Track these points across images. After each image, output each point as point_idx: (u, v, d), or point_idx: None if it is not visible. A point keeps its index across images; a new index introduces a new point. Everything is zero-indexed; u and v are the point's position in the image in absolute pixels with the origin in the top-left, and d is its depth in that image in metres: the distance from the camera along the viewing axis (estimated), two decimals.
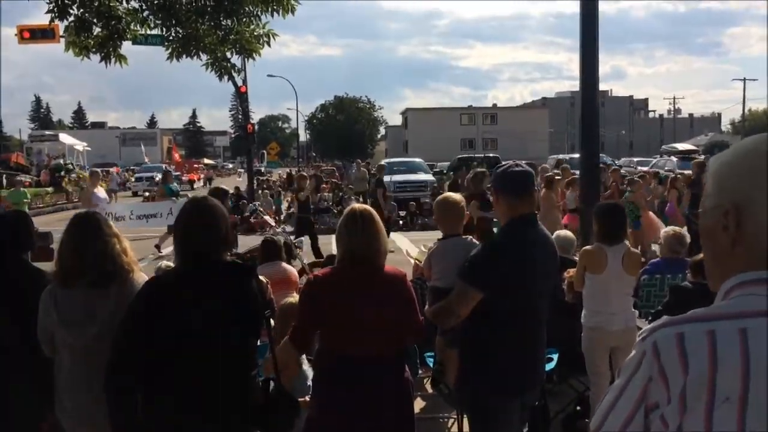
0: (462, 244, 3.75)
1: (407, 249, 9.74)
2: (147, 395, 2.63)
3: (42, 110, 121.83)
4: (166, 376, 2.61)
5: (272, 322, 3.90)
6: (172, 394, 2.60)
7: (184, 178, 44.26)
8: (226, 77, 7.64)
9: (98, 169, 19.32)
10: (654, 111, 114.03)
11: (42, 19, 7.45)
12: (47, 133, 36.24)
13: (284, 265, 5.84)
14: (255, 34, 6.97)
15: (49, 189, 25.30)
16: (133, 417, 2.60)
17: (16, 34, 16.69)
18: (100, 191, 14.72)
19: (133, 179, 43.91)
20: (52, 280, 3.03)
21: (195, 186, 45.27)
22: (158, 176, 40.67)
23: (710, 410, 1.13)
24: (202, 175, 52.73)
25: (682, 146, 34.72)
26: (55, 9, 6.21)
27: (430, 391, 5.73)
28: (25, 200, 17.76)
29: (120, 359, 2.57)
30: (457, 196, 3.99)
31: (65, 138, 37.96)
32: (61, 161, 30.27)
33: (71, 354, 2.85)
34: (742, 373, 1.12)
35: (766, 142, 1.25)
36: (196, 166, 58.27)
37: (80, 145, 36.41)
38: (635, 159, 36.85)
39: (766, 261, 1.20)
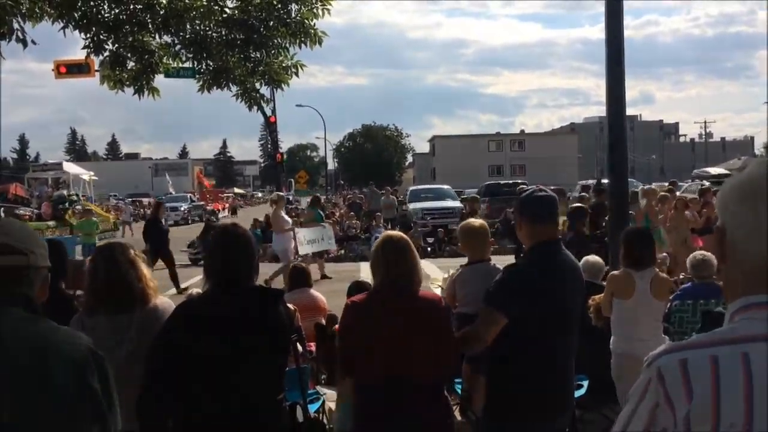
0: (486, 269, 3.75)
1: (432, 276, 9.71)
2: (178, 419, 2.67)
3: (77, 142, 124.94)
4: (196, 399, 2.65)
5: (300, 347, 3.95)
6: (202, 418, 2.64)
7: (208, 207, 44.08)
8: (255, 107, 7.78)
9: (283, 193, 18.90)
10: (685, 135, 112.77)
11: (78, 54, 7.71)
12: (50, 162, 32.93)
13: (312, 291, 5.89)
14: (283, 65, 7.10)
15: (50, 223, 22.52)
16: None
17: (53, 69, 17.26)
18: (285, 215, 14.15)
19: None
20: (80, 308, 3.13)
21: (220, 216, 43.67)
22: (184, 206, 40.40)
23: None
24: (227, 204, 51.74)
25: (714, 170, 34.13)
26: (91, 44, 6.42)
27: (458, 418, 5.69)
28: (96, 230, 17.79)
29: (152, 382, 2.62)
30: (479, 222, 4.00)
31: (70, 167, 35.07)
32: (65, 192, 28.01)
33: None
34: (745, 398, 1.12)
35: (758, 167, 1.27)
36: (221, 195, 57.37)
37: (86, 175, 33.48)
38: (666, 184, 36.35)
39: (765, 284, 1.21)
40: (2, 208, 22.69)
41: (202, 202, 45.24)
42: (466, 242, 3.92)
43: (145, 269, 3.13)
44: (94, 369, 1.73)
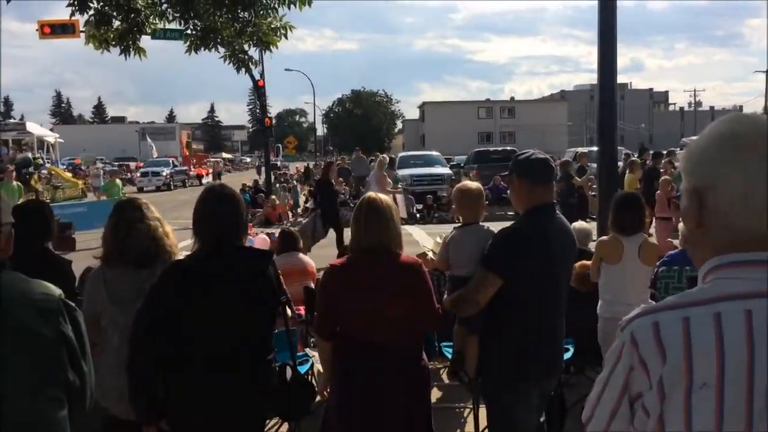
0: (479, 231, 3.75)
1: (423, 243, 9.72)
2: (166, 376, 2.69)
3: (63, 105, 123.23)
4: (185, 358, 2.66)
5: (288, 310, 3.96)
6: (191, 374, 2.66)
7: (191, 172, 42.87)
8: (243, 70, 7.68)
9: (385, 155, 18.43)
10: (674, 104, 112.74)
11: (62, 14, 7.55)
12: (11, 121, 29.46)
13: (301, 255, 5.89)
14: (272, 26, 7.00)
15: (14, 185, 20.79)
16: (152, 396, 2.66)
17: (36, 30, 16.88)
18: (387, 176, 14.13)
19: (138, 174, 40.40)
20: (94, 264, 3.16)
21: (203, 182, 41.19)
22: (166, 171, 38.27)
23: (688, 396, 1.14)
24: (210, 170, 48.97)
25: None
26: (76, 3, 6.29)
27: (446, 381, 5.76)
28: (122, 194, 16.80)
29: (140, 340, 2.62)
30: (474, 185, 3.98)
31: (33, 128, 31.49)
32: (29, 155, 25.17)
33: (120, 333, 2.91)
34: (717, 358, 1.13)
35: (730, 124, 1.24)
36: (204, 160, 54.46)
37: (51, 137, 30.21)
38: (651, 152, 36.42)
39: (732, 244, 1.20)
40: None
41: (185, 167, 43.92)
42: (460, 204, 3.91)
43: (166, 226, 3.15)
44: (66, 318, 1.75)
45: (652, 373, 1.18)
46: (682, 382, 1.14)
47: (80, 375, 1.79)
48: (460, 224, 3.95)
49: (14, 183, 15.70)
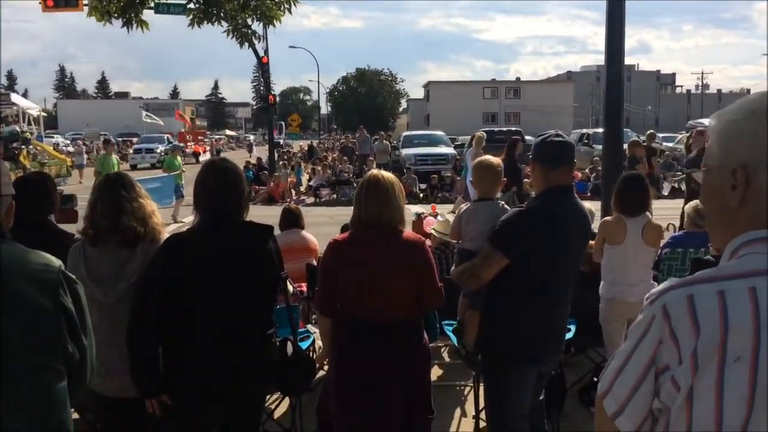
0: (493, 207, 3.73)
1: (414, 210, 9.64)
2: (167, 350, 2.69)
3: (66, 80, 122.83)
4: (186, 331, 2.66)
5: (290, 286, 3.96)
6: (191, 350, 2.66)
7: (188, 150, 40.14)
8: (246, 44, 7.62)
9: (482, 132, 16.13)
10: (681, 86, 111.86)
11: None
12: None
13: (303, 232, 5.87)
14: (276, 0, 6.92)
15: (6, 164, 18.61)
16: (155, 372, 2.67)
17: (39, 3, 16.75)
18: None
19: (131, 151, 38.67)
20: (78, 240, 3.08)
21: (201, 159, 39.40)
22: (160, 147, 35.87)
23: (722, 370, 1.13)
24: (207, 147, 47.09)
25: (709, 122, 33.95)
26: None
27: (447, 359, 5.78)
28: (183, 170, 15.88)
29: (140, 314, 2.62)
30: (495, 160, 3.94)
31: (18, 100, 28.18)
32: (17, 128, 22.50)
33: (99, 311, 2.90)
34: (753, 331, 1.12)
35: (763, 99, 1.23)
36: (201, 137, 51.00)
37: (35, 110, 26.58)
38: (661, 135, 36.13)
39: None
40: None
41: (180, 144, 40.74)
42: (478, 177, 3.87)
43: (151, 204, 3.07)
44: (66, 290, 1.74)
45: (683, 346, 1.16)
46: (715, 356, 1.13)
47: (80, 348, 1.78)
48: (476, 199, 3.93)
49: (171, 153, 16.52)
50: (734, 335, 1.12)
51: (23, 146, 20.74)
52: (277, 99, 29.42)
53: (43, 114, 27.49)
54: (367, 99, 78.12)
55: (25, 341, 1.64)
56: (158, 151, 35.82)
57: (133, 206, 2.94)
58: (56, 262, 1.77)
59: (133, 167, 32.78)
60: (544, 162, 3.12)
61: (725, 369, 1.13)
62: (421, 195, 19.41)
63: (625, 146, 11.43)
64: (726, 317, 1.13)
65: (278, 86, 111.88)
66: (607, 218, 4.66)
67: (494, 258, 3.03)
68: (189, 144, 42.59)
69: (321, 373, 5.03)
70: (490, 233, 3.14)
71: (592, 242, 4.73)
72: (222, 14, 6.77)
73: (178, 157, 17.44)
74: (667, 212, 10.82)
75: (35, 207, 3.59)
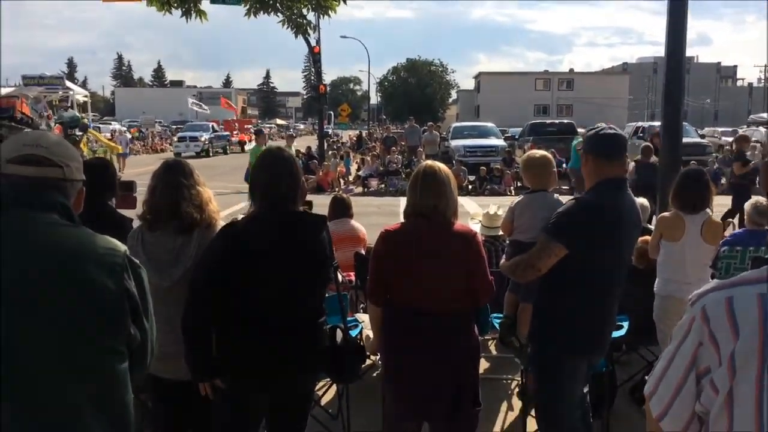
0: (545, 199, 3.70)
1: (472, 212, 9.60)
2: (220, 335, 2.74)
3: (124, 68, 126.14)
4: (240, 318, 2.71)
5: (339, 275, 3.99)
6: (245, 336, 2.71)
7: (233, 138, 40.36)
8: (300, 35, 7.67)
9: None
10: (743, 79, 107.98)
11: None
12: (48, 74, 23.74)
13: (353, 222, 5.90)
14: None
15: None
16: (208, 356, 2.72)
17: None
18: None
19: (175, 138, 38.25)
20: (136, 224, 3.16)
21: (246, 148, 37.76)
22: (205, 136, 35.49)
23: (761, 374, 1.10)
24: (253, 136, 47.16)
25: None
26: None
27: (495, 352, 5.74)
28: None
29: (196, 299, 2.67)
30: (541, 152, 3.93)
31: (70, 85, 26.42)
32: (77, 113, 21.40)
33: (155, 295, 2.96)
34: None
35: None
36: (247, 126, 49.45)
37: (81, 95, 24.66)
38: (719, 129, 35.02)
39: None
40: (6, 128, 16.84)
41: (226, 133, 40.88)
42: (526, 172, 3.89)
43: (208, 191, 3.11)
44: (130, 274, 1.79)
45: (723, 348, 1.14)
46: (754, 360, 1.10)
47: (141, 331, 1.83)
48: (528, 190, 3.91)
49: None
50: None
51: (82, 132, 20.45)
52: (328, 89, 29.59)
53: (87, 100, 25.34)
54: (416, 89, 77.95)
55: (92, 322, 1.69)
56: (203, 139, 35.52)
57: (191, 193, 2.99)
58: (122, 246, 1.82)
59: (177, 156, 28.76)
60: (598, 155, 3.12)
61: (765, 373, 1.10)
62: (470, 187, 19.29)
63: (731, 139, 10.75)
64: (765, 321, 1.10)
65: (328, 76, 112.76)
66: (665, 214, 4.54)
67: (553, 249, 3.02)
68: (235, 133, 42.32)
69: (368, 361, 5.07)
70: (547, 224, 3.13)
71: (647, 238, 4.63)
72: (278, 4, 6.84)
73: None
74: (725, 209, 10.47)
75: (97, 192, 3.71)
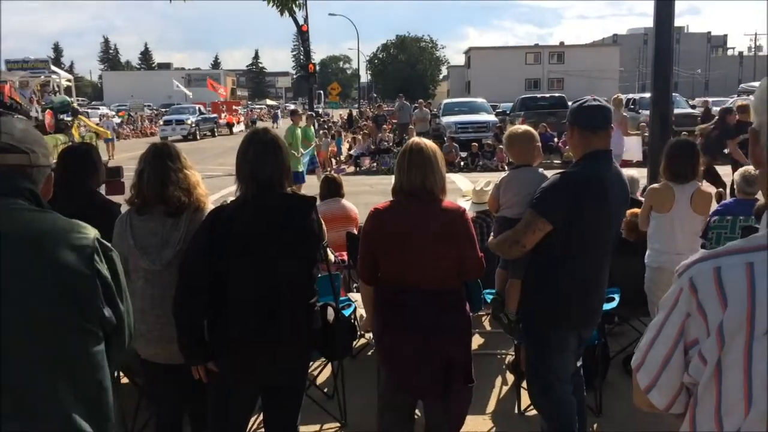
0: (530, 174, 3.69)
1: (464, 189, 9.61)
2: (212, 318, 2.74)
3: (111, 51, 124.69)
4: (230, 300, 2.71)
5: (330, 254, 3.98)
6: (236, 318, 2.71)
7: (221, 121, 39.76)
8: (286, 12, 7.58)
9: (619, 94, 14.72)
10: (733, 48, 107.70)
11: None
12: (32, 58, 22.55)
13: (344, 201, 5.89)
14: None
15: (60, 137, 14.71)
16: (200, 338, 2.73)
17: None
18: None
19: (161, 122, 37.10)
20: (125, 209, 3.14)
21: (235, 130, 39.48)
22: (191, 119, 34.06)
23: (749, 344, 1.09)
24: (242, 118, 45.51)
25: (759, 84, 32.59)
26: None
27: (488, 328, 5.77)
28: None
29: (187, 283, 2.67)
30: (524, 127, 3.92)
31: (54, 68, 24.52)
32: (67, 98, 20.28)
33: (144, 278, 2.97)
34: None
35: None
36: (235, 107, 49.17)
37: (64, 79, 22.84)
38: (710, 99, 34.97)
39: None
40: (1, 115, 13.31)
41: (214, 115, 39.68)
42: (509, 148, 3.87)
43: (196, 175, 3.10)
44: (101, 257, 1.80)
45: (711, 319, 1.14)
46: (743, 330, 1.10)
47: (117, 312, 1.85)
48: (513, 166, 3.90)
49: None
50: (761, 308, 1.09)
51: (73, 117, 19.29)
52: (317, 68, 29.38)
53: (71, 84, 23.10)
54: (407, 67, 77.42)
55: (63, 303, 1.70)
56: (189, 122, 34.48)
57: (178, 177, 2.98)
58: (92, 230, 1.83)
59: (164, 140, 29.38)
60: (583, 127, 3.10)
61: (753, 343, 1.09)
62: (462, 164, 19.26)
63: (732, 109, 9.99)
64: (753, 289, 1.10)
65: (318, 55, 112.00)
66: (655, 185, 4.54)
67: (537, 224, 3.02)
68: (223, 115, 41.53)
69: (363, 340, 5.10)
70: (532, 199, 3.13)
71: (637, 210, 4.64)
72: None
73: (299, 126, 13.57)
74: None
75: (80, 178, 3.68)
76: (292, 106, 76.47)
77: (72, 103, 20.22)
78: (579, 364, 3.44)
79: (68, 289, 1.71)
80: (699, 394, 1.18)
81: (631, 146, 12.77)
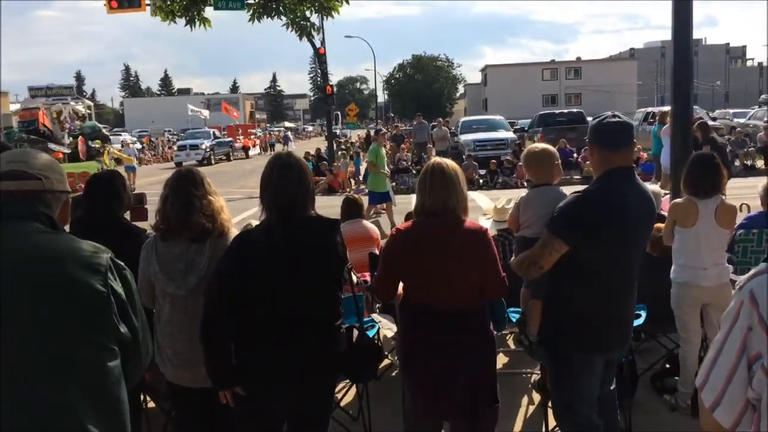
0: (550, 193, 3.66)
1: (485, 207, 9.58)
2: (239, 342, 2.75)
3: (131, 79, 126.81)
4: (256, 324, 2.72)
5: (353, 276, 3.99)
6: (263, 342, 2.72)
7: (237, 144, 39.40)
8: (305, 37, 7.67)
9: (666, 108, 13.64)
10: (752, 59, 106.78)
11: None
12: (56, 84, 21.45)
13: (365, 222, 5.91)
14: None
15: (92, 164, 14.06)
16: (227, 363, 2.74)
17: (104, 5, 17.28)
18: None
19: (175, 147, 36.68)
20: (150, 235, 3.18)
21: (251, 154, 39.38)
22: (205, 143, 33.69)
23: None
24: (258, 141, 45.13)
25: None
26: None
27: (512, 347, 5.72)
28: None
29: (213, 308, 2.69)
30: (542, 146, 3.90)
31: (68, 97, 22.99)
32: (98, 124, 19.94)
33: (171, 304, 3.00)
34: None
35: None
36: (251, 131, 48.60)
37: (82, 106, 20.94)
38: (731, 111, 34.62)
39: None
40: (35, 144, 14.96)
41: (229, 139, 39.38)
42: (527, 166, 3.85)
43: (220, 200, 3.12)
44: (115, 275, 1.87)
45: None
46: None
47: (131, 328, 1.90)
48: (532, 184, 3.88)
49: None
50: None
51: (105, 144, 18.99)
52: (335, 89, 29.56)
53: (90, 112, 21.46)
54: (423, 86, 77.80)
55: (79, 319, 1.77)
56: (203, 147, 33.96)
57: (202, 203, 3.01)
58: (106, 250, 1.90)
59: (178, 165, 26.56)
60: (603, 145, 3.01)
61: None
62: (481, 181, 19.23)
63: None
64: None
65: (335, 76, 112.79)
66: (678, 200, 4.50)
67: (553, 245, 2.95)
68: (239, 138, 41.19)
69: (387, 361, 5.08)
70: (549, 219, 3.07)
71: (661, 225, 4.59)
72: (281, 8, 6.85)
73: (383, 146, 13.11)
74: (739, 191, 10.37)
75: (104, 204, 3.73)
76: (311, 128, 76.76)
77: (101, 130, 19.76)
78: (612, 387, 3.33)
79: (83, 306, 1.78)
80: (764, 408, 1.16)
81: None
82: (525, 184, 17.54)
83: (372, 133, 21.90)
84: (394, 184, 19.81)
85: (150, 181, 20.36)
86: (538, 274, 3.08)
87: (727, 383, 1.20)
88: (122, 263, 1.94)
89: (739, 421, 1.21)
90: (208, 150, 34.38)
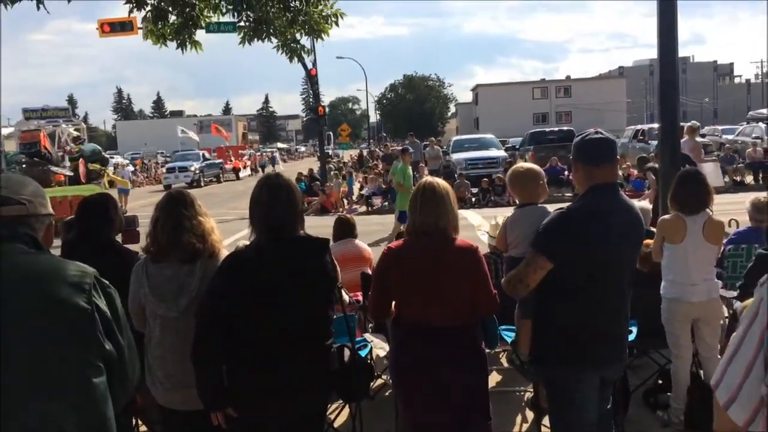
0: (536, 212, 3.69)
1: (476, 224, 9.61)
2: (230, 363, 2.75)
3: (124, 101, 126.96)
4: (248, 345, 2.72)
5: (345, 295, 4.00)
6: (254, 362, 2.72)
7: (227, 165, 38.94)
8: (296, 59, 7.72)
9: (695, 121, 13.83)
10: (740, 76, 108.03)
11: (121, 12, 7.72)
12: (51, 106, 20.96)
13: (357, 241, 5.92)
14: (323, 14, 7.01)
15: (95, 187, 14.42)
16: (219, 384, 2.73)
17: (97, 29, 17.42)
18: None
19: (164, 170, 36.14)
20: (141, 257, 3.18)
21: (241, 175, 38.93)
22: (195, 165, 33.08)
23: None
24: (248, 162, 44.31)
25: None
26: (133, 0, 6.43)
27: (505, 365, 5.72)
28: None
29: (204, 329, 2.69)
30: (527, 165, 3.95)
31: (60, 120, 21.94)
32: (97, 147, 19.75)
33: (162, 326, 3.00)
34: None
35: None
36: (241, 152, 47.14)
37: (73, 128, 20.72)
38: (720, 127, 34.91)
39: None
40: (36, 166, 15.60)
41: (219, 160, 38.84)
42: (513, 185, 3.88)
43: (211, 221, 3.14)
44: (100, 293, 1.90)
45: None
46: None
47: (117, 346, 1.92)
48: (518, 205, 3.92)
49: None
50: None
51: (105, 167, 18.89)
52: (327, 110, 29.73)
53: (81, 135, 21.05)
54: (415, 105, 78.35)
55: (64, 337, 1.80)
56: (192, 169, 33.41)
57: (192, 223, 3.03)
58: (90, 269, 1.93)
59: (167, 188, 27.25)
60: (585, 160, 3.04)
61: None
62: (473, 199, 19.30)
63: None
64: None
65: (327, 97, 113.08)
66: (665, 217, 4.54)
67: (537, 262, 2.95)
68: (229, 160, 40.62)
69: (380, 380, 5.07)
70: (533, 238, 3.08)
71: (649, 241, 4.62)
72: (272, 31, 6.90)
73: (409, 165, 12.70)
74: (728, 207, 10.45)
75: (96, 227, 3.75)
76: (303, 149, 76.80)
77: (102, 152, 19.75)
78: (608, 406, 3.28)
79: (68, 324, 1.81)
80: None
81: (709, 172, 12.33)
82: (516, 202, 17.60)
83: (364, 153, 22.08)
84: (387, 203, 19.90)
85: (141, 204, 20.31)
86: (526, 292, 3.07)
87: (743, 379, 1.19)
88: (107, 282, 1.97)
89: (753, 418, 1.20)
90: (197, 172, 33.84)
